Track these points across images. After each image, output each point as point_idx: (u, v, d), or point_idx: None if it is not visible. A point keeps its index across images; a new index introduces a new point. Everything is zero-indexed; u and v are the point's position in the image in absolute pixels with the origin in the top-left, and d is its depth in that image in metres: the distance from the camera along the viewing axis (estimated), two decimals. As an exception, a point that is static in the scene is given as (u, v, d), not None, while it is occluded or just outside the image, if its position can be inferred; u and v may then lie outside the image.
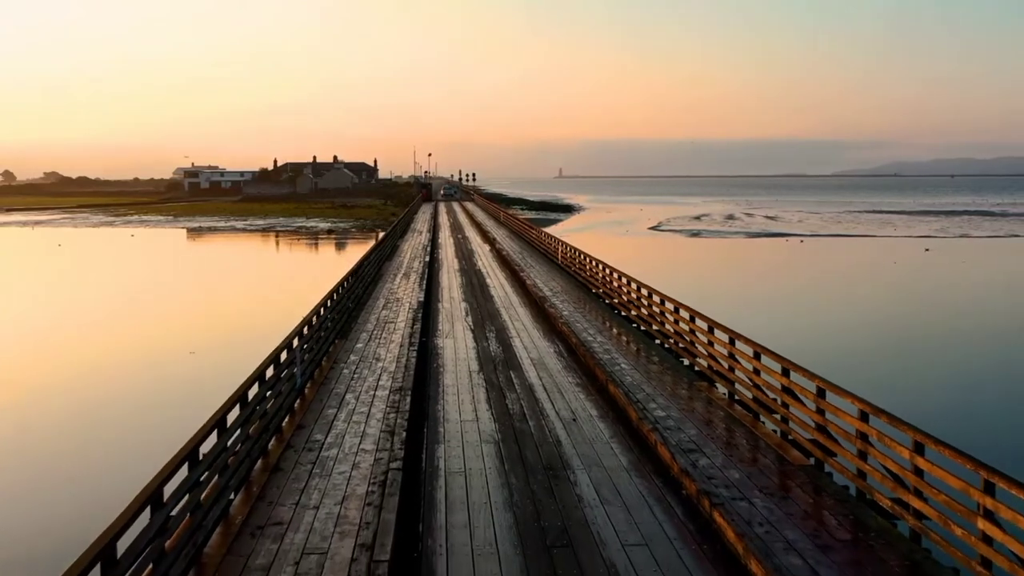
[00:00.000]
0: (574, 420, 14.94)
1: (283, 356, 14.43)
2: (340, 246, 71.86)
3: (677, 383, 16.93)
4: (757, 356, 14.42)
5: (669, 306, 20.18)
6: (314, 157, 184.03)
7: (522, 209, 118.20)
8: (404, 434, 13.35)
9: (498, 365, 19.41)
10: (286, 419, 14.21)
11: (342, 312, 22.97)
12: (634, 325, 23.32)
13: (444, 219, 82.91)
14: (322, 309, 19.29)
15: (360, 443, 12.97)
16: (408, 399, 15.44)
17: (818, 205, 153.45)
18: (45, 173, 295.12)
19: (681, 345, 19.12)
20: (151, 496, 8.00)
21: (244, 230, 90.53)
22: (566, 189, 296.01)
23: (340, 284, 23.49)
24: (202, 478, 9.49)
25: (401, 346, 20.47)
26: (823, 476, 11.69)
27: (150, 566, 7.91)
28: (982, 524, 8.40)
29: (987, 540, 8.35)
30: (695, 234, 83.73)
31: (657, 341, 21.17)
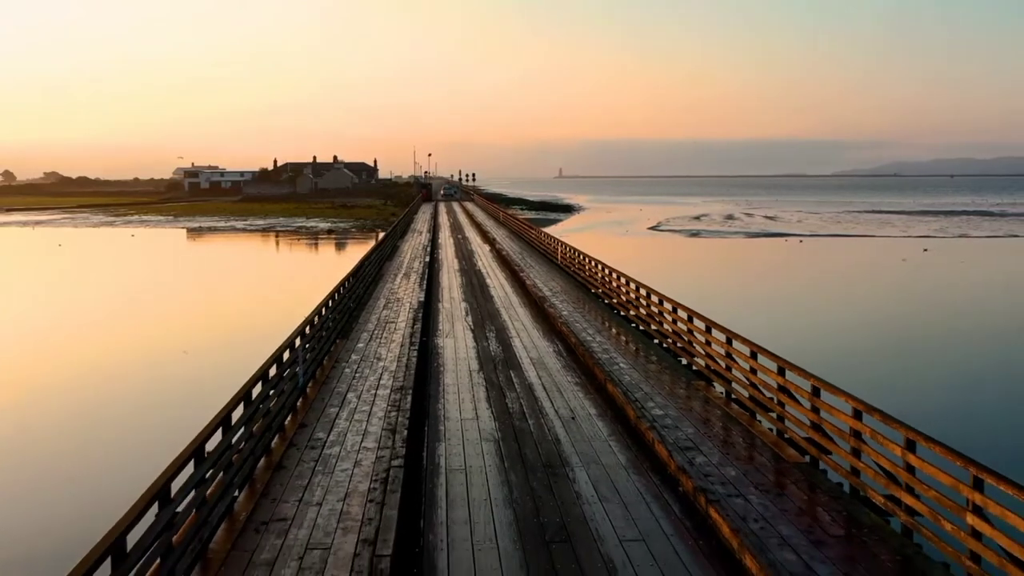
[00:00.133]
0: (573, 418, 15.13)
1: (286, 355, 14.61)
2: (340, 246, 72.03)
3: (675, 382, 17.11)
4: (754, 355, 14.61)
5: (667, 306, 20.37)
6: (314, 157, 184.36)
7: (522, 209, 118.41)
8: (405, 432, 13.54)
9: (498, 364, 19.59)
10: (288, 418, 14.39)
11: (343, 312, 23.15)
12: (633, 325, 23.51)
13: (444, 219, 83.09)
14: (323, 309, 19.47)
15: (362, 441, 13.15)
16: (409, 398, 15.63)
17: (818, 205, 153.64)
18: (45, 173, 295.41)
19: (679, 345, 19.30)
20: (159, 492, 8.17)
21: (244, 230, 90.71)
22: (566, 189, 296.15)
23: (341, 284, 23.67)
24: (207, 475, 9.66)
25: (402, 346, 20.65)
26: (818, 473, 11.88)
27: (157, 560, 8.08)
28: (971, 519, 8.58)
29: (976, 535, 8.53)
30: (694, 234, 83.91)
31: (656, 341, 21.35)
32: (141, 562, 7.58)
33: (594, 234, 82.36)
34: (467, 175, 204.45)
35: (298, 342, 15.78)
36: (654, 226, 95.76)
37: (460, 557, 9.68)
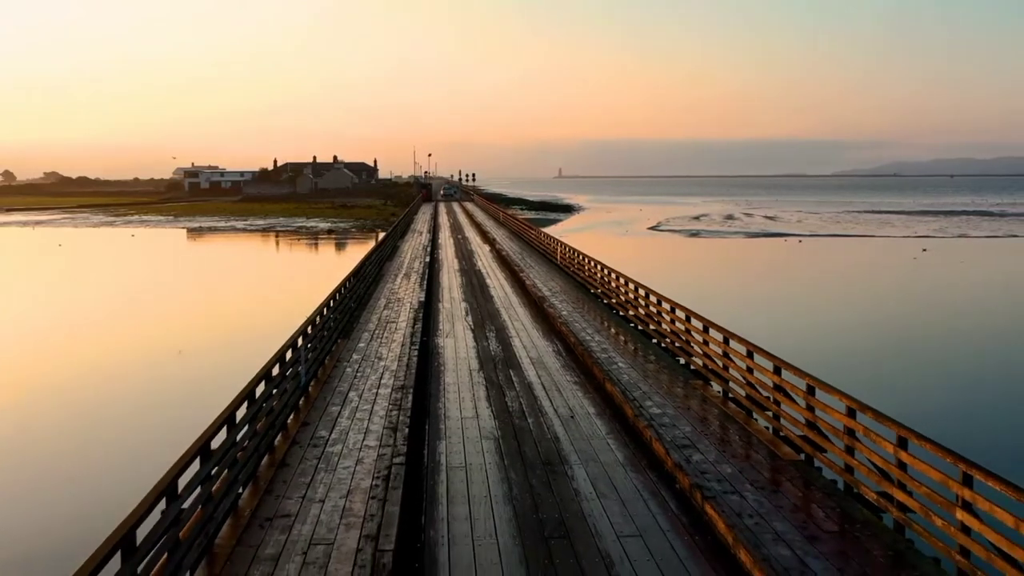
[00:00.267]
0: (572, 417, 15.32)
1: (288, 355, 14.79)
2: (340, 246, 72.23)
3: (673, 381, 17.30)
4: (750, 355, 14.79)
5: (666, 306, 20.55)
6: (314, 157, 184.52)
7: (522, 209, 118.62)
8: (406, 430, 13.73)
9: (498, 364, 19.78)
10: (291, 416, 14.58)
11: (344, 312, 23.34)
12: (632, 325, 23.69)
13: (444, 219, 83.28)
14: (325, 309, 19.65)
15: (364, 439, 13.34)
16: (410, 397, 15.81)
17: (817, 205, 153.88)
18: (45, 173, 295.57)
19: (677, 344, 19.49)
20: (166, 488, 8.36)
21: (244, 230, 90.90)
22: (566, 189, 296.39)
23: (342, 284, 23.85)
24: (213, 472, 9.85)
25: (403, 345, 20.84)
26: (813, 471, 12.07)
27: (165, 555, 8.27)
28: (961, 515, 8.77)
29: (965, 530, 8.72)
30: (694, 234, 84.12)
31: (654, 340, 21.53)
32: (150, 556, 7.77)
33: (594, 234, 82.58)
34: (467, 175, 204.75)
35: (300, 341, 15.96)
36: (654, 226, 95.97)
37: (461, 552, 9.88)
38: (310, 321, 17.45)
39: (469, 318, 26.19)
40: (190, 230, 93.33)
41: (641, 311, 23.08)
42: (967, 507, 8.70)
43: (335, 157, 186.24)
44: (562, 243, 39.72)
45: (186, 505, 8.90)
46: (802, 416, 12.57)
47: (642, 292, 23.00)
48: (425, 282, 33.26)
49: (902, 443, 9.96)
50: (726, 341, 16.03)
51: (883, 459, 10.36)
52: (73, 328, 34.90)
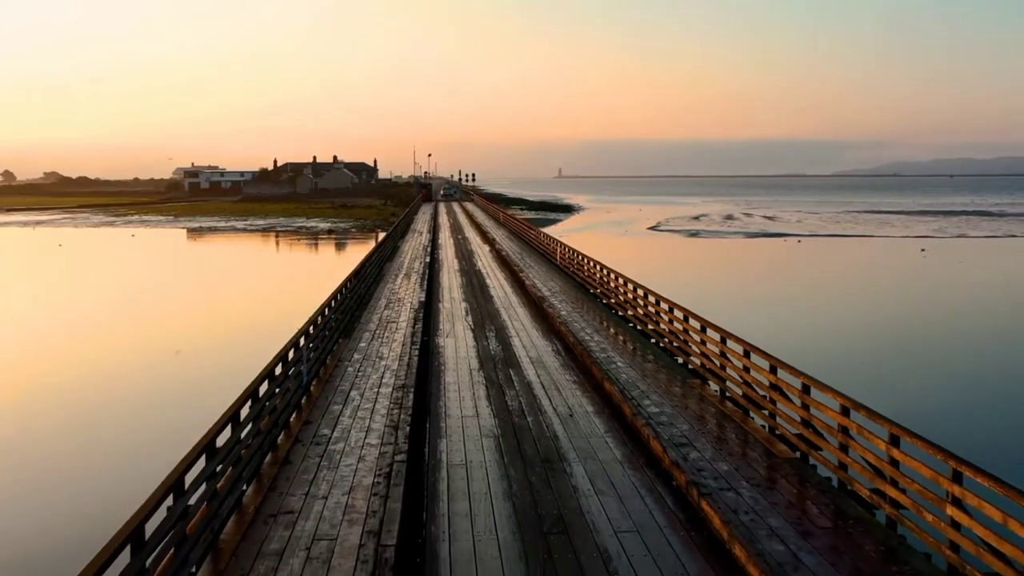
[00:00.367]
0: (571, 416, 15.51)
1: (291, 354, 14.98)
2: (340, 246, 72.42)
3: (671, 381, 17.48)
4: (747, 354, 14.98)
5: (664, 306, 20.74)
6: (314, 157, 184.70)
7: (522, 209, 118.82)
8: (407, 429, 13.91)
9: (498, 363, 19.97)
10: (294, 415, 14.77)
11: (346, 312, 23.52)
12: (630, 325, 23.88)
13: (444, 219, 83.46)
14: (326, 309, 19.85)
15: (366, 437, 13.52)
16: (411, 396, 16.00)
17: (817, 205, 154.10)
18: (45, 173, 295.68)
19: (675, 344, 19.67)
20: (173, 484, 8.55)
21: (244, 230, 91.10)
22: (566, 189, 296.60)
23: (343, 285, 24.04)
24: (218, 469, 10.03)
25: (403, 345, 21.02)
26: (808, 468, 12.25)
27: (172, 550, 8.45)
28: (951, 511, 8.95)
29: (955, 526, 8.91)
30: (693, 234, 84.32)
31: (652, 340, 21.71)
32: (158, 550, 7.95)
33: (594, 234, 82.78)
34: (467, 175, 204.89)
35: (303, 341, 16.15)
36: (653, 226, 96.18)
37: (461, 547, 10.07)
38: (312, 321, 17.64)
39: (469, 318, 26.38)
40: (190, 230, 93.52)
41: (640, 311, 23.26)
42: (957, 503, 8.89)
43: (335, 157, 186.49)
44: (561, 243, 39.91)
45: (192, 502, 9.08)
46: (797, 414, 12.75)
47: (641, 292, 23.19)
48: (425, 282, 33.44)
49: (894, 440, 10.15)
50: (723, 341, 16.21)
51: (876, 456, 10.55)
52: (73, 328, 35.05)
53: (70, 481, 17.02)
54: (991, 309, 39.40)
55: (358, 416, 14.78)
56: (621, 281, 25.75)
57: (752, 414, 14.71)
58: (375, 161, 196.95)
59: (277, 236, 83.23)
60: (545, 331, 24.10)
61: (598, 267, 29.47)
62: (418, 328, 23.35)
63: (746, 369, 14.93)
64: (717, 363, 16.42)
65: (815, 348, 28.16)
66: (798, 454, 12.71)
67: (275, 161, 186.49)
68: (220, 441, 10.39)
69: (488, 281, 35.58)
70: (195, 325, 35.68)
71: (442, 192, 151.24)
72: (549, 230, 67.88)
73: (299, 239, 79.20)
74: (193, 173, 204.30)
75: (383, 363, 19.05)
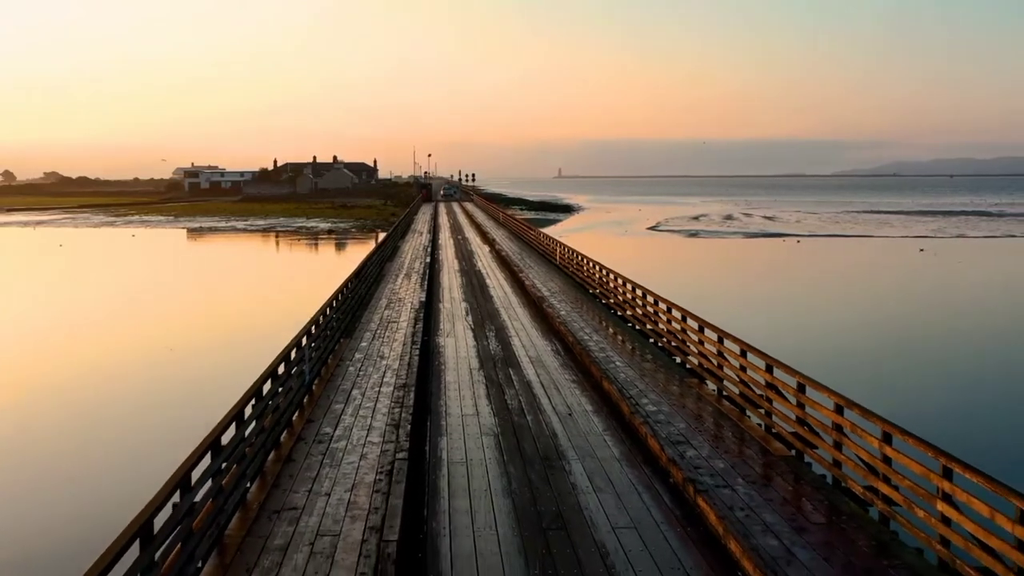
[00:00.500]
0: (570, 414, 15.70)
1: (293, 354, 15.16)
2: (340, 246, 72.61)
3: (669, 380, 17.67)
4: (743, 354, 15.17)
5: (662, 306, 20.93)
6: (314, 157, 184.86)
7: (521, 209, 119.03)
8: (408, 427, 14.10)
9: (498, 363, 20.17)
10: (296, 414, 14.96)
11: (347, 312, 23.71)
12: (629, 324, 24.07)
13: (444, 220, 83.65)
14: (328, 309, 20.03)
15: (367, 436, 13.71)
16: (412, 395, 16.18)
17: (817, 205, 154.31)
18: (45, 173, 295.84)
19: (674, 344, 19.86)
20: (180, 480, 8.73)
21: (244, 230, 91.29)
22: (566, 189, 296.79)
23: (344, 285, 24.22)
24: (223, 466, 10.22)
25: (404, 344, 21.21)
26: (803, 466, 12.45)
27: (179, 545, 8.64)
28: (941, 507, 9.15)
29: (945, 521, 9.10)
30: (693, 234, 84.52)
31: (651, 340, 21.89)
32: (165, 544, 8.14)
33: (593, 234, 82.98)
34: (467, 175, 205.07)
35: (304, 341, 16.34)
36: (653, 226, 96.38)
37: (462, 542, 10.27)
38: (314, 321, 17.83)
39: (469, 318, 26.57)
40: (190, 230, 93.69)
41: (639, 311, 23.45)
42: (947, 499, 9.08)
43: (335, 157, 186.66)
44: (561, 243, 40.10)
45: (198, 498, 9.27)
46: (793, 413, 12.94)
47: (639, 292, 23.37)
48: (426, 282, 33.63)
49: (887, 438, 10.34)
50: (721, 340, 16.40)
51: (869, 454, 10.74)
52: (73, 328, 35.17)
53: (70, 481, 17.12)
54: (990, 309, 39.58)
55: (360, 414, 14.97)
56: (620, 281, 25.93)
57: (749, 412, 14.90)
58: (375, 161, 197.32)
59: (277, 236, 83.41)
60: (544, 331, 24.29)
61: (597, 267, 29.66)
62: (419, 328, 23.54)
63: (743, 368, 15.12)
64: (715, 362, 16.62)
65: (814, 348, 28.32)
66: (793, 452, 12.90)
67: (275, 161, 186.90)
68: (225, 439, 10.58)
69: (488, 281, 35.77)
70: (195, 325, 35.83)
71: (442, 192, 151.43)
72: (549, 230, 68.09)
73: (299, 239, 79.38)
74: (193, 173, 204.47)
75: (384, 362, 19.24)
